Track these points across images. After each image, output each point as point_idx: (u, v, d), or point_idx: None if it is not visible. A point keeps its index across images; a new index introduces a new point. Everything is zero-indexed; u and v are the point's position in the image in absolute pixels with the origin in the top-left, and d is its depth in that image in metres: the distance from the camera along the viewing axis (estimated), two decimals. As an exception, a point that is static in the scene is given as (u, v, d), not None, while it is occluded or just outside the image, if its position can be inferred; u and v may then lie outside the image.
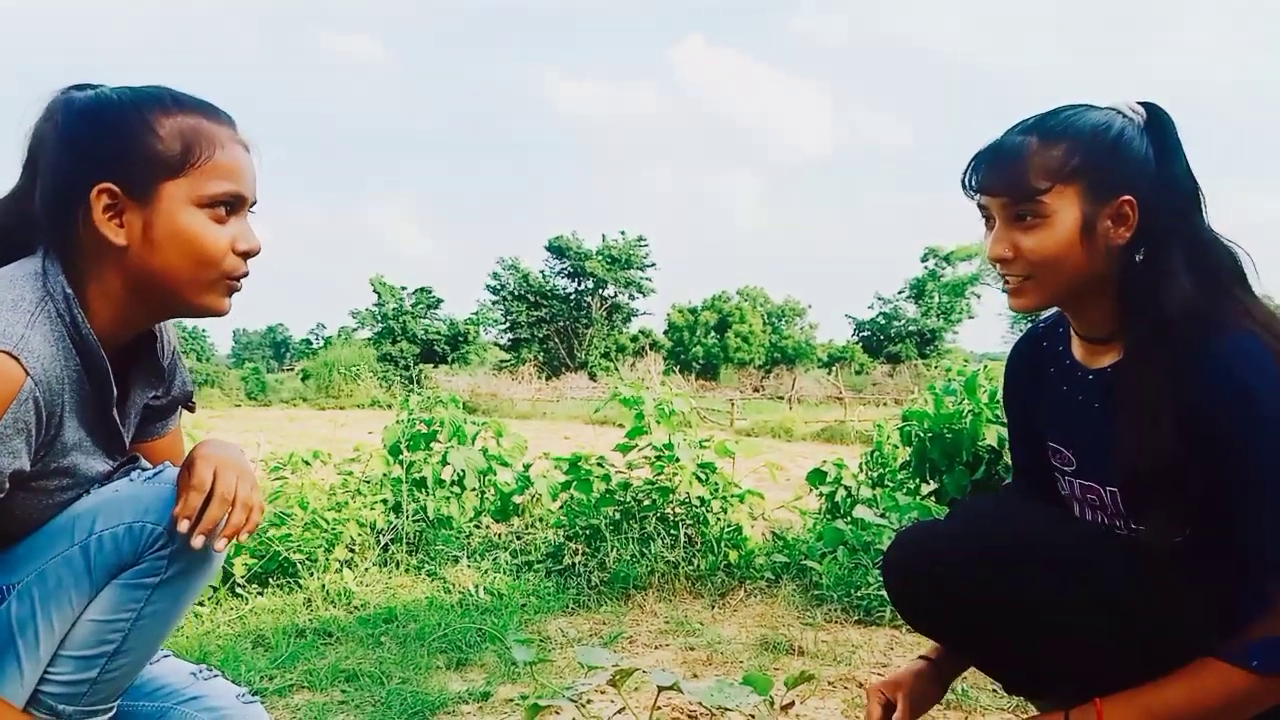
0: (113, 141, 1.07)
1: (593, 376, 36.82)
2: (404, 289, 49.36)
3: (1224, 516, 1.12)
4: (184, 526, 1.08)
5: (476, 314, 50.32)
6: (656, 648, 2.81)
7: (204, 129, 1.10)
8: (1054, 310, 1.37)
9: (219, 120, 1.13)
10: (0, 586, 1.09)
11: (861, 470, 4.89)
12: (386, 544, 3.81)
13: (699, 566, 3.46)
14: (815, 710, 2.24)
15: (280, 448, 5.90)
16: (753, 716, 2.09)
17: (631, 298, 51.51)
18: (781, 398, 29.55)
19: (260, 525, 2.62)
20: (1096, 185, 1.18)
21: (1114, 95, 1.25)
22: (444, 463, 4.33)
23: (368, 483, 4.21)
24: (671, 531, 3.59)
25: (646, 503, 3.70)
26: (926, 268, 48.84)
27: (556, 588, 3.41)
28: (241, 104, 1.22)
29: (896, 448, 4.95)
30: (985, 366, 4.87)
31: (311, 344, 60.30)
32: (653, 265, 51.08)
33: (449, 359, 45.21)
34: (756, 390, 33.38)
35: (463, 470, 4.34)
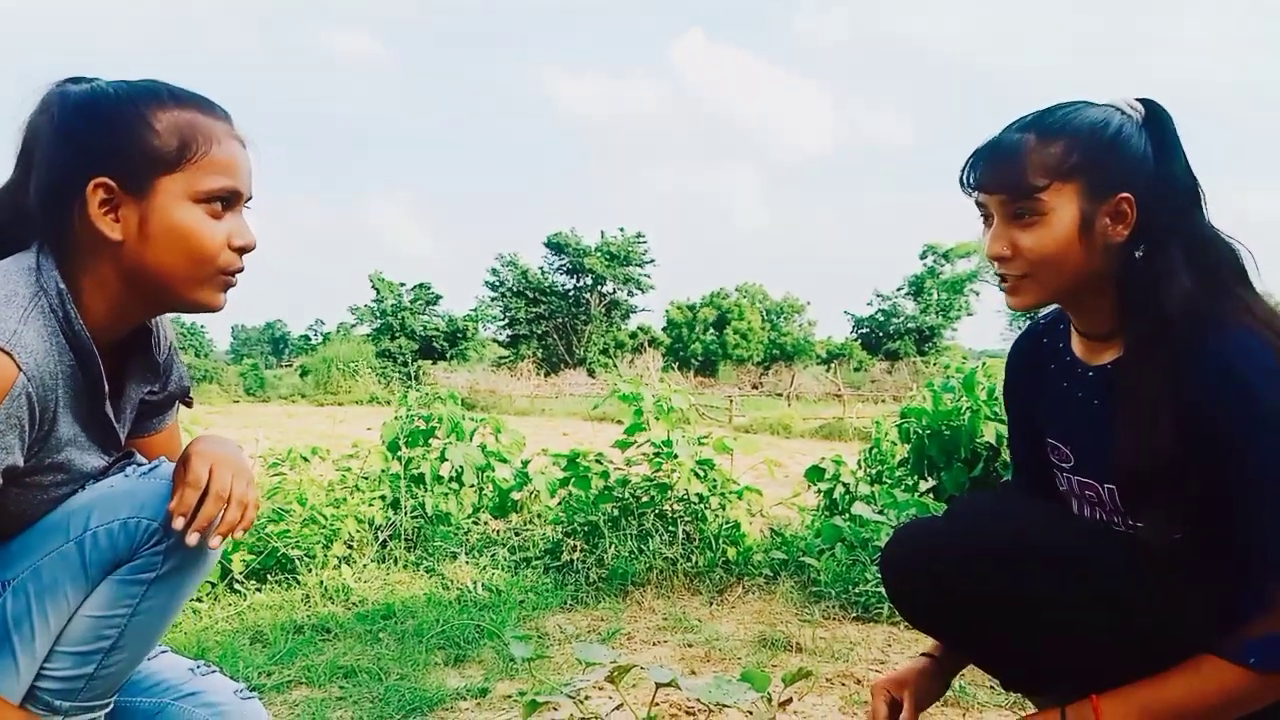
0: (109, 136, 1.06)
1: (591, 373, 36.82)
2: (403, 285, 49.37)
3: (1223, 514, 1.12)
4: (179, 524, 1.07)
5: (475, 310, 50.33)
6: (654, 644, 2.81)
7: (200, 124, 1.10)
8: (1055, 307, 1.36)
9: (215, 115, 1.12)
10: (-4, 582, 1.09)
11: (860, 467, 4.90)
12: (385, 540, 3.81)
13: (697, 563, 3.46)
14: (813, 707, 2.24)
15: (279, 444, 5.90)
16: (750, 713, 2.09)
17: (630, 294, 51.50)
18: (780, 395, 29.58)
19: (256, 522, 2.62)
20: (1095, 183, 1.17)
21: (1114, 93, 1.24)
22: (442, 459, 4.33)
23: (366, 479, 4.21)
24: (670, 528, 3.59)
25: (645, 499, 3.70)
26: (925, 265, 48.86)
27: (555, 584, 3.41)
28: (240, 101, 1.21)
29: (895, 445, 4.95)
30: (984, 363, 4.88)
31: (310, 340, 60.24)
32: (651, 262, 51.11)
33: (448, 355, 45.24)
34: (755, 387, 33.42)
35: (461, 466, 4.34)
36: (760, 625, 2.95)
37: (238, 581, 3.29)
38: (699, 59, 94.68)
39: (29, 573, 1.08)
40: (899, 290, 49.83)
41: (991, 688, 2.26)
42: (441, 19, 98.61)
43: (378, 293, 48.81)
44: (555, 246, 50.43)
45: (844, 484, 4.50)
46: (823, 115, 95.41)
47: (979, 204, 1.25)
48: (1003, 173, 1.19)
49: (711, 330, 49.76)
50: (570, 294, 50.68)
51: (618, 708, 2.08)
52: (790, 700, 2.17)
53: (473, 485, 4.42)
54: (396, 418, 4.42)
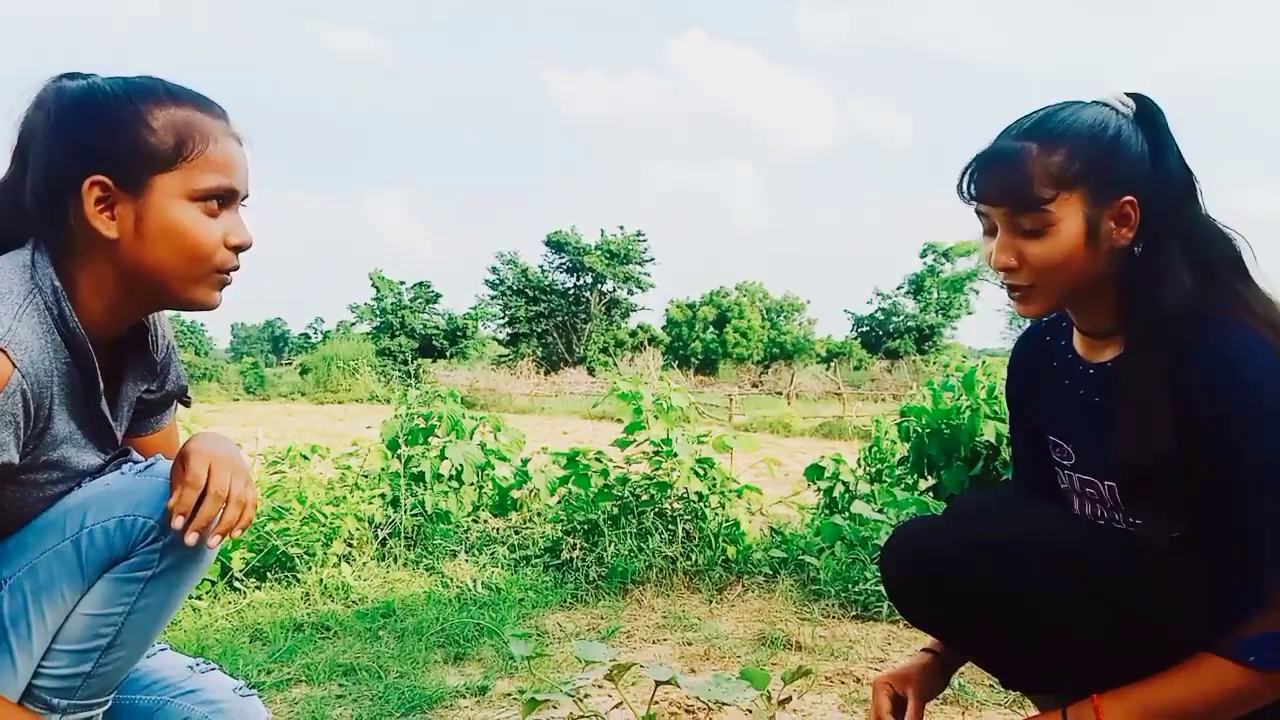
0: (105, 133, 1.06)
1: (591, 371, 36.82)
2: (402, 283, 49.36)
3: (1222, 512, 1.12)
4: (178, 523, 1.07)
5: (475, 309, 50.33)
6: (654, 643, 2.81)
7: (197, 122, 1.09)
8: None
9: (212, 113, 1.12)
10: (-8, 581, 1.09)
11: (859, 466, 4.90)
12: (384, 538, 3.81)
13: (697, 562, 3.46)
14: (812, 705, 2.24)
15: (279, 442, 5.90)
16: (750, 711, 2.09)
17: (630, 293, 51.50)
18: (780, 393, 29.61)
19: (255, 520, 2.62)
20: (1098, 189, 1.16)
21: (1113, 90, 1.22)
22: (442, 457, 4.33)
23: (366, 477, 4.21)
24: (669, 526, 3.59)
25: (644, 498, 3.70)
26: (925, 263, 48.84)
27: (554, 582, 3.41)
28: (239, 99, 1.21)
29: (895, 443, 4.95)
30: (984, 362, 4.88)
31: (310, 338, 60.22)
32: (651, 260, 51.12)
33: (447, 354, 45.25)
34: (755, 386, 33.44)
35: (461, 465, 4.34)
36: (760, 624, 2.95)
37: (237, 579, 3.29)
38: (699, 57, 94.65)
39: (25, 571, 1.08)
40: (899, 289, 49.84)
41: (991, 686, 2.26)
42: (441, 16, 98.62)
43: (377, 291, 48.80)
44: (555, 245, 50.43)
45: (843, 483, 4.50)
46: (823, 114, 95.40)
47: (980, 213, 1.23)
48: (1007, 185, 1.17)
49: (711, 329, 49.77)
50: (570, 292, 50.69)
51: (617, 706, 2.08)
52: (789, 698, 2.17)
53: (472, 483, 4.43)
54: (396, 416, 4.42)
